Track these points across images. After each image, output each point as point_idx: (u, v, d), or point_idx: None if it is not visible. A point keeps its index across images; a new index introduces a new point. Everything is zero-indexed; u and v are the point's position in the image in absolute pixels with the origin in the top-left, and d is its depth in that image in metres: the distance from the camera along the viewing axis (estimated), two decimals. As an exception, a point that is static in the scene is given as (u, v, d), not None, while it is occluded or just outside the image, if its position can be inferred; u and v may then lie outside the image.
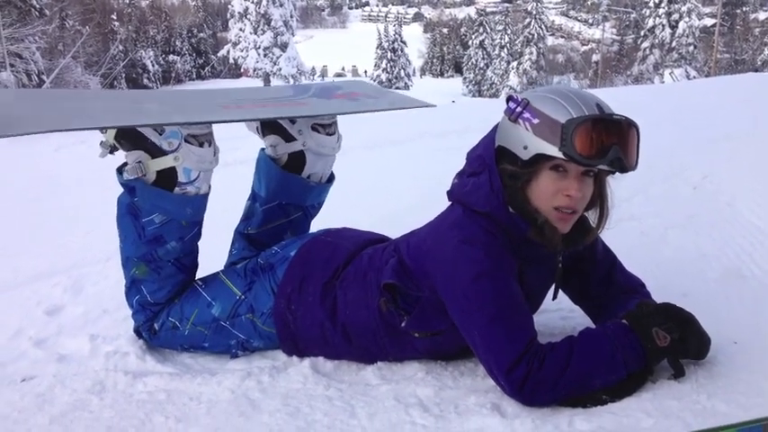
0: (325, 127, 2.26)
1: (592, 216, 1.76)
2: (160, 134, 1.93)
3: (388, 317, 1.83)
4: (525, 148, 1.61)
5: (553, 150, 1.57)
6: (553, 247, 1.71)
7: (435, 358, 1.90)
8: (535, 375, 1.55)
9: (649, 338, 1.56)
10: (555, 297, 1.89)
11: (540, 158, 1.60)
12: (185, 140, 1.95)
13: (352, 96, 2.43)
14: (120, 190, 2.02)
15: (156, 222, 1.99)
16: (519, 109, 1.63)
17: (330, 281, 1.96)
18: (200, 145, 1.98)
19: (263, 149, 2.30)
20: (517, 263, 1.70)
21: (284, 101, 2.32)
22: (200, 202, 2.04)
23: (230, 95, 2.30)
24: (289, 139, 2.25)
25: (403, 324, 1.80)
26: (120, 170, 1.99)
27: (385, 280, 1.82)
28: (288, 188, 2.28)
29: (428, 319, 1.78)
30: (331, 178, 2.38)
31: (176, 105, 2.11)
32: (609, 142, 1.55)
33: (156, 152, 1.95)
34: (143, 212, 1.98)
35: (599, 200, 1.73)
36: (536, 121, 1.59)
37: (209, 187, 2.07)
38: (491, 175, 1.68)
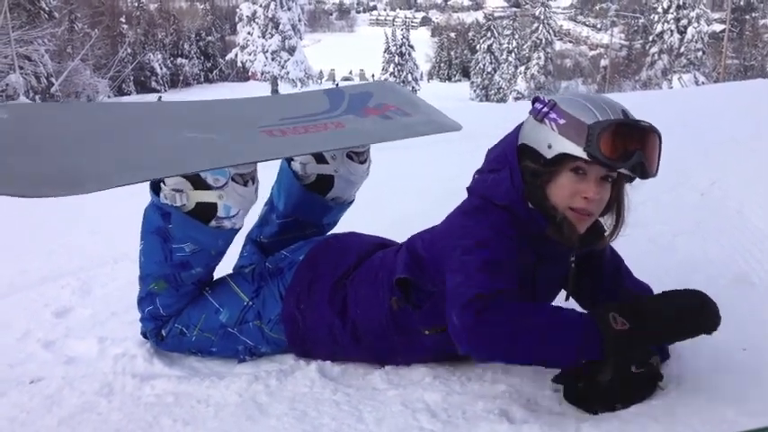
0: (359, 155, 2.25)
1: (607, 221, 1.77)
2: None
3: (399, 315, 1.83)
4: (549, 146, 1.63)
5: (578, 151, 1.58)
6: (570, 245, 1.71)
7: (444, 358, 1.90)
8: (491, 319, 1.50)
9: (605, 322, 1.50)
10: (568, 298, 1.89)
11: (563, 158, 1.62)
12: (231, 179, 1.92)
13: (385, 111, 2.33)
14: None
15: (186, 251, 1.96)
16: (546, 109, 1.66)
17: (340, 280, 1.96)
18: (245, 183, 1.96)
19: (286, 160, 2.27)
20: (531, 259, 1.71)
21: (323, 120, 2.18)
22: (232, 234, 2.03)
23: (267, 113, 2.14)
24: (320, 160, 2.23)
25: (414, 318, 1.81)
26: (154, 188, 1.95)
27: (398, 275, 1.82)
28: (308, 208, 2.27)
29: (439, 313, 1.76)
30: (351, 200, 2.37)
31: (219, 130, 1.95)
32: (633, 147, 1.57)
33: (199, 184, 1.92)
34: (174, 240, 1.95)
35: (615, 206, 1.73)
36: (562, 121, 1.62)
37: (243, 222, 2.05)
38: (512, 171, 1.70)
